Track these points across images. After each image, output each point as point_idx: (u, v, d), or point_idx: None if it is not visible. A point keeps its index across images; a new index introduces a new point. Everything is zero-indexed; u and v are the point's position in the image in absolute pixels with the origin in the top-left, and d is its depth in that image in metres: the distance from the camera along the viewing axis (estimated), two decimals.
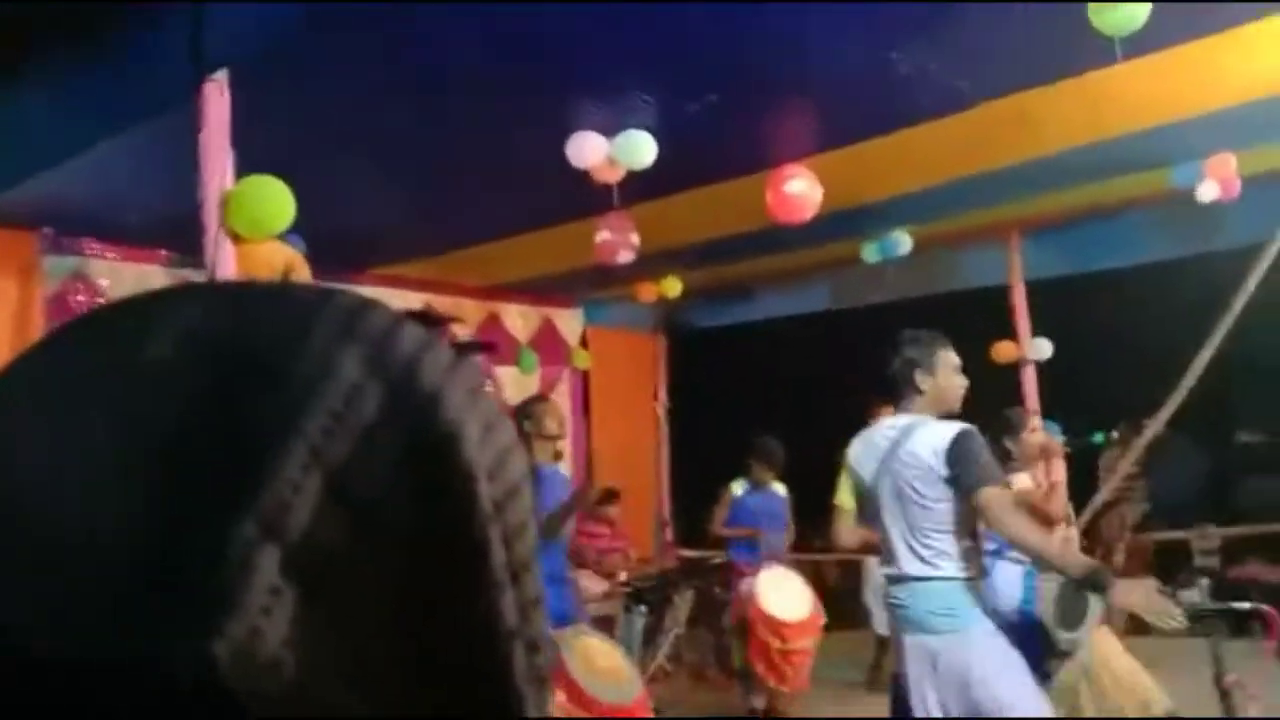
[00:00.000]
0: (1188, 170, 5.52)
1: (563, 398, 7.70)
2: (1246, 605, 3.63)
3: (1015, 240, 7.32)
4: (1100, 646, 3.73)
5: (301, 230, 3.38)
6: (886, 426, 3.08)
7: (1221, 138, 5.09)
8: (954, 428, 2.91)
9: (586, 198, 4.41)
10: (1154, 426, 7.20)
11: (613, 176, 4.12)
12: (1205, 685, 3.27)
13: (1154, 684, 3.76)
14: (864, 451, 3.13)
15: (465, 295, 7.58)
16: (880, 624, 6.20)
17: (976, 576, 2.90)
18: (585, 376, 8.51)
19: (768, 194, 4.60)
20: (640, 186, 4.31)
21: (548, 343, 8.22)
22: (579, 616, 4.22)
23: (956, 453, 2.82)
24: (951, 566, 2.86)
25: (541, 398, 5.00)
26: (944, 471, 2.82)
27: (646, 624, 6.99)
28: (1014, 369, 7.24)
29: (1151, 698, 3.70)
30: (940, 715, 2.84)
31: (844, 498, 3.23)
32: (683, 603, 7.12)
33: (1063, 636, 3.35)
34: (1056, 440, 4.17)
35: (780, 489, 6.02)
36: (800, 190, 4.57)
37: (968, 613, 2.85)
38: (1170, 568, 7.48)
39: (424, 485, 0.36)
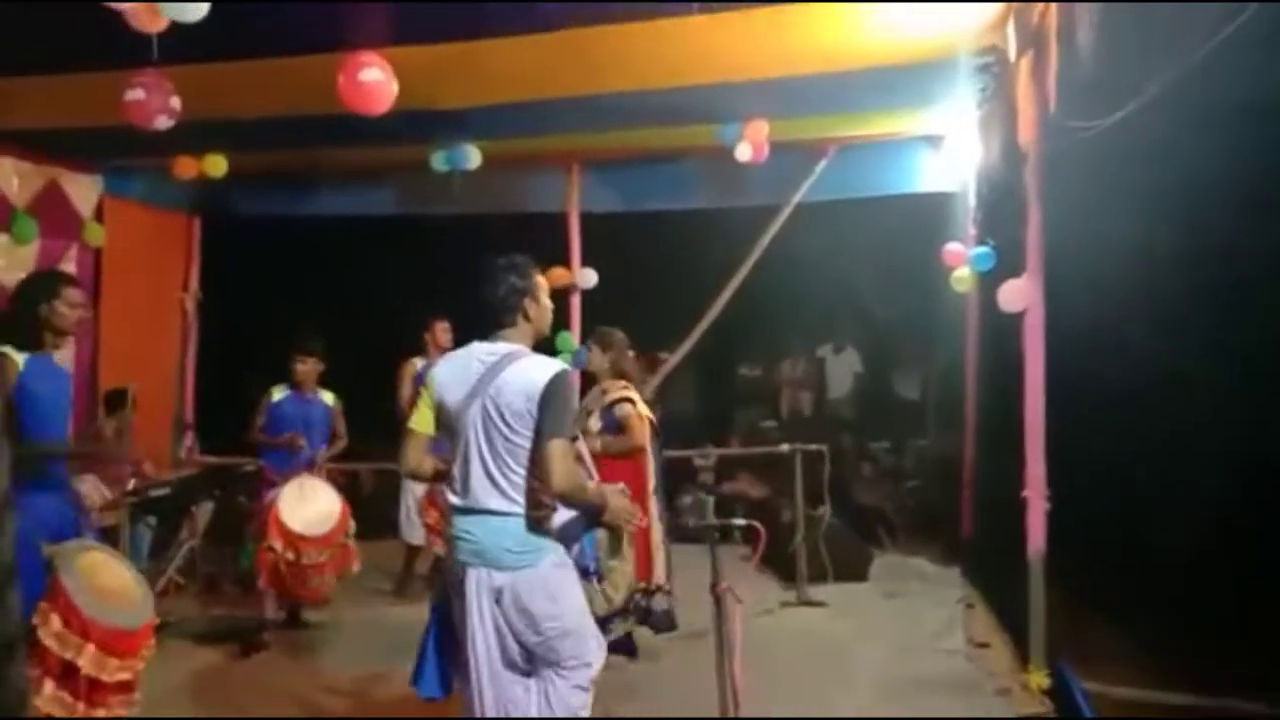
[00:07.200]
0: (730, 130, 6.09)
1: None
2: (742, 521, 4.13)
3: (576, 171, 7.63)
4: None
5: None
6: (483, 352, 2.91)
7: (762, 103, 5.65)
8: (553, 366, 2.86)
9: (122, 46, 3.72)
10: (674, 359, 8.01)
11: (153, 25, 3.51)
12: (704, 589, 3.66)
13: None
14: (452, 375, 2.93)
15: None
16: (412, 535, 6.22)
17: (550, 511, 2.88)
18: (98, 255, 7.36)
19: (340, 79, 4.27)
20: (191, 46, 3.72)
21: (52, 209, 6.94)
22: (83, 529, 3.70)
23: (548, 393, 2.78)
24: (530, 502, 2.84)
25: (63, 276, 4.16)
26: (534, 409, 2.78)
27: (156, 536, 6.37)
28: (564, 294, 7.58)
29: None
30: (500, 646, 2.84)
31: (421, 421, 2.97)
32: (201, 513, 6.59)
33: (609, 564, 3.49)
34: None
35: (328, 397, 5.73)
36: (375, 79, 4.28)
37: (540, 548, 2.86)
38: (675, 482, 8.44)
39: None
